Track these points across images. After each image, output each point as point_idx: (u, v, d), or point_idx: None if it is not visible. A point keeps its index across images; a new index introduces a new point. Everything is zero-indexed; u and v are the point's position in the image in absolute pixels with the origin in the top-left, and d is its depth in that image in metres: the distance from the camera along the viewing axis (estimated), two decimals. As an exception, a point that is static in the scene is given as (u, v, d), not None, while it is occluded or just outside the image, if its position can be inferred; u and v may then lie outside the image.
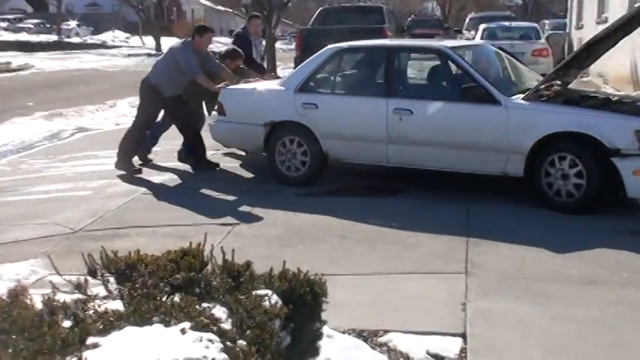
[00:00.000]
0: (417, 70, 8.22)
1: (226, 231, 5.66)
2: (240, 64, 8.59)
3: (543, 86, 6.22)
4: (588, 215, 5.81)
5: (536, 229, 5.53)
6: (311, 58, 7.36)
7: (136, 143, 7.96)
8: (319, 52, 7.31)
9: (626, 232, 5.44)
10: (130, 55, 34.04)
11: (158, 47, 38.33)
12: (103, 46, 41.00)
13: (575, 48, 21.76)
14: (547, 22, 29.68)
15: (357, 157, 6.98)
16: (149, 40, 41.39)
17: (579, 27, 21.98)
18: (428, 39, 30.15)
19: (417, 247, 5.18)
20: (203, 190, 7.04)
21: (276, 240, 5.45)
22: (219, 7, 55.12)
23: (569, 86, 7.03)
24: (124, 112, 13.38)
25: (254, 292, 2.61)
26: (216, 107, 7.75)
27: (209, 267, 2.90)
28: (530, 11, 55.09)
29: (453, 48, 6.78)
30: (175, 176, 7.61)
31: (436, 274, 4.68)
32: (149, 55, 35.17)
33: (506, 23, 17.57)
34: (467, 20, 27.65)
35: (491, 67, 7.37)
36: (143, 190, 7.07)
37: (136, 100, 14.88)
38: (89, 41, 42.51)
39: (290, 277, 2.79)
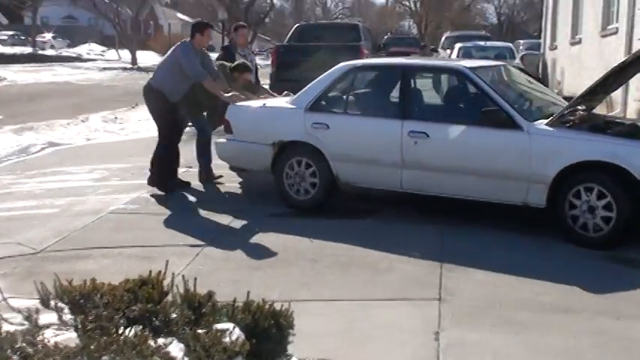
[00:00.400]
0: (434, 91, 7.85)
1: (195, 252, 5.50)
2: (249, 78, 8.28)
3: (567, 111, 5.88)
4: (562, 241, 5.74)
5: (511, 254, 5.44)
6: (323, 75, 7.01)
7: (169, 160, 7.49)
8: (331, 69, 7.00)
9: (600, 258, 5.38)
10: (105, 69, 33.75)
11: (134, 61, 38.12)
12: (78, 59, 40.70)
13: (549, 68, 21.95)
14: (522, 42, 29.99)
15: (368, 181, 6.65)
16: (125, 54, 41.14)
17: (553, 48, 22.17)
18: (407, 56, 30.37)
19: (390, 271, 5.06)
20: (173, 209, 6.87)
21: (246, 263, 5.31)
22: (196, 22, 54.95)
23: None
24: (96, 127, 13.16)
25: (215, 327, 2.47)
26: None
27: (169, 297, 2.75)
28: (505, 31, 55.88)
29: (472, 68, 6.43)
30: (146, 194, 7.43)
31: (409, 300, 4.56)
32: (124, 69, 34.98)
33: (482, 43, 17.68)
34: (443, 39, 27.85)
35: (513, 90, 7.00)
36: (112, 208, 6.88)
37: (109, 115, 14.81)
38: (64, 54, 42.18)
39: (254, 310, 2.66)
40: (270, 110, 7.14)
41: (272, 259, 5.39)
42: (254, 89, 8.31)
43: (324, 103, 6.87)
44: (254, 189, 7.74)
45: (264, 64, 22.13)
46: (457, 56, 16.16)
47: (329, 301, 4.57)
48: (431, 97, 7.60)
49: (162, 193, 7.36)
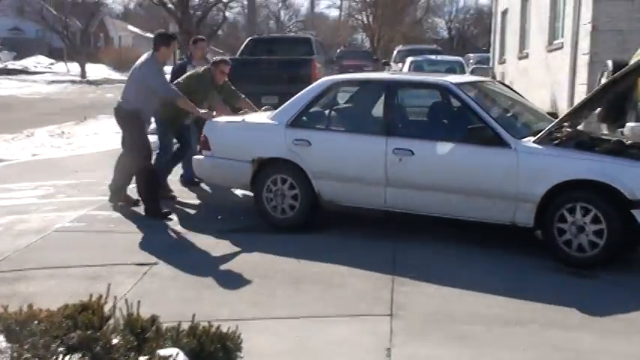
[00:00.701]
0: (418, 107, 7.45)
1: (143, 271, 5.37)
2: (226, 71, 7.93)
3: (555, 128, 5.78)
4: (513, 253, 5.79)
5: (462, 268, 5.45)
6: (304, 90, 6.86)
7: (153, 181, 7.15)
8: (313, 84, 6.88)
9: (548, 269, 5.43)
10: (52, 82, 33.12)
11: (83, 74, 37.56)
12: (25, 72, 39.81)
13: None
14: (472, 55, 30.52)
15: (352, 199, 6.44)
16: (74, 67, 40.46)
17: (502, 62, 22.57)
18: (358, 70, 30.48)
19: (341, 287, 5.02)
20: (122, 226, 6.72)
21: (195, 281, 5.20)
22: (147, 35, 54.36)
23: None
24: (42, 142, 12.84)
25: (158, 353, 2.38)
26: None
27: (111, 322, 2.66)
28: (455, 45, 56.76)
29: (457, 84, 6.28)
30: (93, 211, 7.25)
31: (361, 316, 4.52)
32: (73, 82, 34.42)
33: (433, 57, 17.90)
34: (395, 52, 28.12)
35: (499, 106, 6.88)
36: (57, 226, 6.69)
37: (55, 129, 14.47)
38: (10, 67, 41.16)
39: (200, 333, 2.58)
40: (250, 126, 6.96)
41: (222, 276, 5.29)
42: (233, 95, 8.10)
43: (305, 118, 6.68)
44: (208, 205, 7.63)
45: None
46: (409, 70, 16.28)
47: (279, 319, 4.50)
48: (415, 113, 7.43)
49: (110, 208, 7.19)
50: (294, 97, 6.86)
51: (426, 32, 58.19)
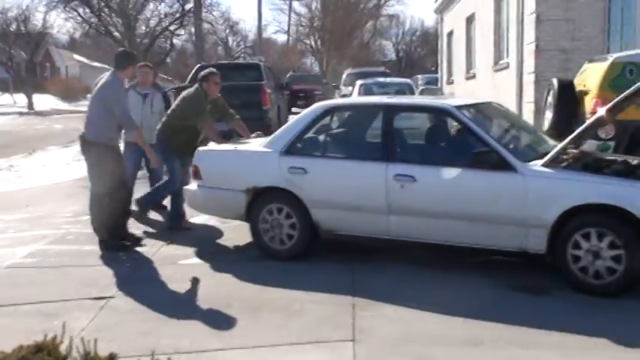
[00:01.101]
0: (418, 132, 7.10)
1: (100, 305, 5.26)
2: (218, 85, 7.67)
3: (561, 150, 5.60)
4: (474, 272, 5.85)
5: (422, 289, 5.48)
6: (298, 116, 6.74)
7: (120, 214, 6.88)
8: (307, 109, 6.72)
9: (510, 288, 5.49)
10: (-2, 114, 32.40)
11: (30, 105, 36.91)
12: (-31, 104, 38.87)
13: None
14: (420, 77, 30.97)
15: (352, 228, 6.16)
16: (21, 98, 39.68)
17: (450, 82, 23.00)
18: (309, 94, 30.55)
19: (302, 314, 4.99)
20: (76, 260, 6.57)
21: (154, 313, 5.10)
22: (95, 64, 53.78)
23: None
24: (-14, 177, 12.53)
25: (120, 392, 2.32)
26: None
27: (69, 362, 2.59)
28: (404, 66, 57.61)
29: (458, 107, 6.12)
30: (45, 246, 7.09)
31: (323, 343, 4.49)
32: (20, 113, 33.79)
33: (382, 79, 18.10)
34: (344, 76, 28.36)
35: (502, 129, 6.73)
36: (8, 262, 6.52)
37: (3, 162, 14.14)
38: (-47, 100, 40.18)
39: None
40: (243, 154, 6.76)
41: (181, 307, 5.21)
42: (227, 115, 7.85)
43: (300, 145, 6.47)
44: (162, 232, 7.52)
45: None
46: (358, 93, 16.44)
47: (241, 349, 4.44)
48: (416, 137, 7.08)
49: (63, 240, 7.03)
50: (288, 123, 6.67)
51: (374, 54, 58.92)
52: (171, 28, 20.87)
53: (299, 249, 6.33)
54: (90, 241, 7.13)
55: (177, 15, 20.42)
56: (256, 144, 6.82)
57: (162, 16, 20.69)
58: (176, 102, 7.78)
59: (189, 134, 7.44)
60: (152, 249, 6.86)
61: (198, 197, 6.87)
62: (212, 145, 7.08)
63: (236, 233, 7.19)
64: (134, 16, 19.65)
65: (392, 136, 6.25)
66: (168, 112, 7.81)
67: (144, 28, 21.04)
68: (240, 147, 6.90)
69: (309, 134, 6.59)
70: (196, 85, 7.66)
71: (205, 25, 23.40)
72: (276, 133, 6.72)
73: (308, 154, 6.42)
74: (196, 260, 6.51)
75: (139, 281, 5.91)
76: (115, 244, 6.79)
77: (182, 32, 22.93)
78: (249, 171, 6.52)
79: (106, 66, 43.58)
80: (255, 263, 6.35)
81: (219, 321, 4.92)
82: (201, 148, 6.97)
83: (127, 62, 6.90)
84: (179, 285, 5.74)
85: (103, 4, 19.06)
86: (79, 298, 5.46)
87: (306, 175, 6.22)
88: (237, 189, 6.50)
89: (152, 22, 20.83)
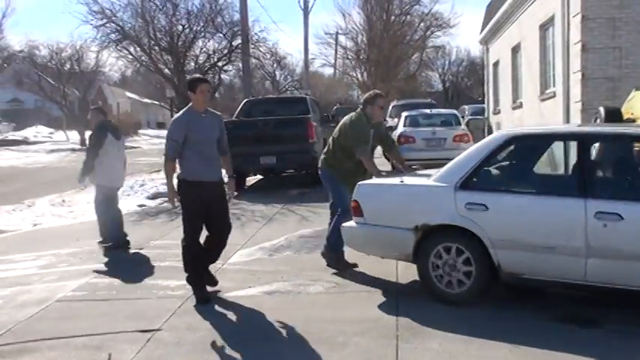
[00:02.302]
0: (620, 164, 6.20)
1: (146, 338, 5.34)
2: (382, 110, 7.32)
3: None
4: (524, 305, 5.76)
5: (465, 322, 5.41)
6: (473, 147, 6.13)
7: (198, 256, 6.43)
8: (485, 139, 6.11)
9: (557, 320, 5.37)
10: (52, 151, 33.40)
11: (83, 142, 37.85)
12: (25, 142, 40.23)
13: (494, 131, 22.52)
14: (466, 107, 30.81)
15: (540, 272, 5.51)
16: (74, 135, 40.84)
17: (497, 112, 22.82)
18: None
19: (345, 346, 4.97)
20: (124, 293, 6.71)
21: (199, 346, 5.16)
22: (145, 100, 55.09)
23: None
24: (42, 211, 12.90)
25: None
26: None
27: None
28: (450, 97, 57.45)
29: None
30: (95, 279, 7.25)
31: (366, 375, 4.48)
32: (73, 150, 34.69)
33: (427, 111, 18.09)
34: (390, 107, 28.41)
35: None
36: (59, 296, 6.68)
37: (56, 198, 14.53)
38: (10, 137, 41.57)
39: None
40: (412, 189, 6.22)
41: (226, 339, 5.25)
42: (387, 142, 7.49)
43: (478, 179, 5.86)
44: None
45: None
46: (404, 125, 16.45)
47: (285, 381, 4.45)
48: (618, 169, 6.20)
49: (110, 274, 7.19)
50: (463, 154, 6.08)
51: (421, 86, 58.91)
52: (220, 64, 21.20)
53: (475, 293, 5.73)
54: (138, 274, 7.26)
55: (225, 51, 20.78)
56: (424, 178, 6.31)
57: (211, 53, 21.09)
58: (337, 128, 7.35)
59: (354, 162, 7.03)
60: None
61: (358, 235, 6.41)
62: (374, 179, 6.74)
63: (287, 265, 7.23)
64: (183, 53, 20.07)
65: (590, 168, 5.67)
66: (330, 140, 7.40)
67: (193, 64, 21.47)
68: (407, 181, 6.32)
69: (489, 167, 5.98)
70: (358, 109, 7.24)
71: (253, 61, 23.74)
72: (448, 165, 6.09)
73: (488, 188, 5.82)
74: (243, 292, 6.55)
75: (189, 313, 5.98)
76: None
77: (230, 68, 23.26)
78: (419, 207, 6.01)
79: (156, 102, 44.63)
80: (295, 293, 6.37)
81: (264, 353, 4.95)
82: (362, 182, 6.54)
83: (189, 89, 6.36)
84: (226, 316, 5.80)
85: (153, 42, 19.53)
86: (126, 330, 5.55)
87: (486, 212, 5.62)
88: (404, 227, 5.97)
89: (201, 59, 21.22)
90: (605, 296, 5.54)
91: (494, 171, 6.06)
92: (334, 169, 7.19)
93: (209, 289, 6.48)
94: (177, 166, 6.36)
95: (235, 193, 6.87)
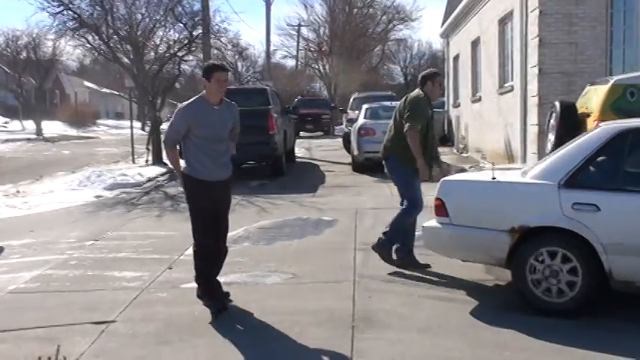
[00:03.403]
0: None
1: (100, 330, 5.27)
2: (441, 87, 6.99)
3: None
4: (472, 297, 5.84)
5: (421, 310, 5.48)
6: (578, 141, 5.61)
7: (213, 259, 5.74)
8: (591, 133, 5.63)
9: (510, 310, 5.47)
10: (7, 141, 32.63)
11: (39, 131, 37.23)
12: (-21, 131, 39.29)
13: (454, 125, 22.76)
14: (427, 100, 30.96)
15: None
16: (30, 125, 40.07)
17: (456, 105, 23.05)
18: (317, 118, 30.50)
19: (301, 337, 4.97)
20: (79, 285, 6.60)
21: (153, 337, 5.11)
22: (104, 90, 54.26)
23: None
24: (-6, 203, 12.63)
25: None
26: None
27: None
28: (412, 90, 57.74)
29: None
30: (49, 271, 7.12)
31: (321, 365, 4.49)
32: (29, 139, 34.02)
33: (388, 103, 18.10)
34: (351, 100, 28.48)
35: None
36: (11, 288, 6.56)
37: (11, 188, 14.24)
38: (-37, 127, 40.64)
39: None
40: (507, 187, 5.71)
41: (181, 331, 5.21)
42: (432, 129, 6.87)
43: (587, 177, 5.31)
44: (162, 260, 7.54)
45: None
46: (364, 117, 16.50)
47: (240, 372, 4.45)
48: None
49: (66, 265, 7.06)
50: (565, 149, 5.61)
51: (383, 79, 59.17)
52: (180, 54, 20.95)
53: (581, 302, 5.25)
54: (93, 266, 7.17)
55: (186, 41, 20.54)
56: (517, 174, 5.93)
57: (171, 43, 20.82)
58: (397, 110, 7.01)
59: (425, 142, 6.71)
60: (155, 273, 6.88)
61: (443, 237, 5.94)
62: (461, 175, 6.33)
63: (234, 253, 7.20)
64: (142, 43, 19.79)
65: None
66: (391, 125, 7.06)
67: (153, 54, 21.18)
68: (500, 177, 5.77)
69: (597, 163, 5.39)
70: (418, 90, 6.97)
71: (214, 51, 23.54)
72: (548, 161, 5.66)
73: (599, 187, 5.27)
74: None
75: (143, 305, 5.92)
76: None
77: (190, 58, 23.00)
78: (516, 207, 5.51)
79: (115, 92, 44.04)
80: (251, 283, 6.36)
81: (219, 345, 4.92)
82: (447, 179, 6.12)
83: (204, 76, 5.63)
84: (180, 309, 5.74)
85: (111, 31, 19.19)
86: (80, 322, 5.48)
87: (598, 213, 5.14)
88: (498, 228, 5.49)
89: (161, 49, 20.94)
90: None
91: (605, 167, 5.41)
92: (399, 156, 6.80)
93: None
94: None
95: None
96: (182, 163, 5.68)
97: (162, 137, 5.86)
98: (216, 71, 5.49)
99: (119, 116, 57.96)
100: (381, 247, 6.78)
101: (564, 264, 5.23)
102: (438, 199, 5.88)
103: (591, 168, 5.36)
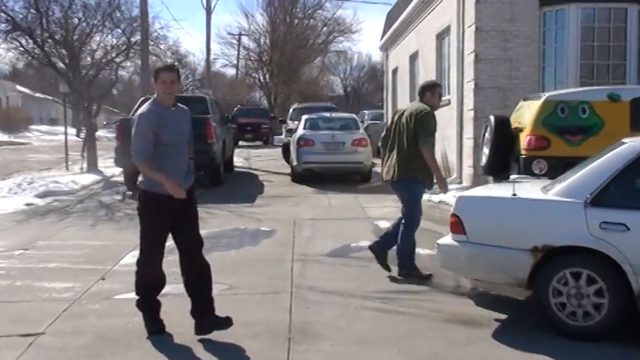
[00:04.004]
0: None
1: (28, 343, 5.09)
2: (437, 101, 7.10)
3: None
4: (408, 308, 5.90)
5: (358, 322, 5.49)
6: (604, 157, 5.36)
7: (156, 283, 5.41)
8: (618, 149, 5.36)
9: (445, 319, 5.54)
10: None
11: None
12: None
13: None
14: (366, 112, 31.32)
15: None
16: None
17: (395, 117, 23.34)
18: (256, 128, 30.35)
19: (236, 349, 4.92)
20: (5, 296, 6.38)
21: (84, 351, 4.97)
22: (38, 95, 52.84)
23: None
24: None
25: None
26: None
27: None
28: (351, 102, 58.21)
29: None
30: (-27, 281, 6.87)
31: (256, 378, 4.45)
32: (-42, 144, 32.82)
33: (327, 114, 18.23)
34: (291, 110, 28.51)
35: None
36: None
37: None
38: None
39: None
40: (529, 204, 5.48)
41: (113, 344, 5.08)
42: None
43: (615, 195, 5.10)
44: (97, 264, 7.37)
45: (112, 137, 21.75)
46: (303, 128, 16.52)
47: (172, 386, 4.36)
48: None
49: (-7, 280, 6.82)
50: (590, 166, 5.38)
51: (323, 90, 59.40)
52: (117, 60, 20.60)
53: (608, 327, 5.03)
54: (21, 276, 6.94)
55: (124, 47, 20.21)
56: (537, 190, 5.70)
57: (109, 48, 20.45)
58: (403, 125, 6.91)
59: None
60: (87, 284, 6.70)
61: (460, 256, 5.68)
62: (479, 191, 6.30)
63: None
64: (78, 48, 19.35)
65: None
66: (394, 143, 7.03)
67: (89, 59, 20.74)
68: (521, 193, 5.55)
69: (626, 180, 5.18)
70: (418, 100, 7.07)
71: (153, 58, 23.23)
72: (573, 178, 5.42)
73: (628, 205, 5.07)
74: (134, 295, 6.35)
75: (73, 317, 5.75)
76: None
77: (128, 64, 22.64)
78: (539, 225, 5.28)
79: (50, 97, 42.95)
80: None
81: (151, 357, 4.83)
82: (464, 195, 6.01)
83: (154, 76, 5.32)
84: (113, 321, 5.61)
85: (46, 35, 18.71)
86: (6, 335, 5.29)
87: (627, 233, 4.94)
88: (519, 247, 5.27)
89: (98, 54, 20.52)
90: None
91: (633, 185, 5.22)
92: (417, 174, 6.80)
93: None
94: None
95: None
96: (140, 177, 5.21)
97: (134, 156, 5.06)
98: (161, 72, 5.19)
99: (53, 122, 56.47)
100: (404, 271, 6.84)
101: (590, 285, 5.03)
102: (454, 215, 5.66)
103: (619, 185, 5.15)
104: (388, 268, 6.96)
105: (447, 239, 5.78)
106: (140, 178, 5.25)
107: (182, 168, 5.24)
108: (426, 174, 6.79)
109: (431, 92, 7.04)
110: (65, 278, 6.98)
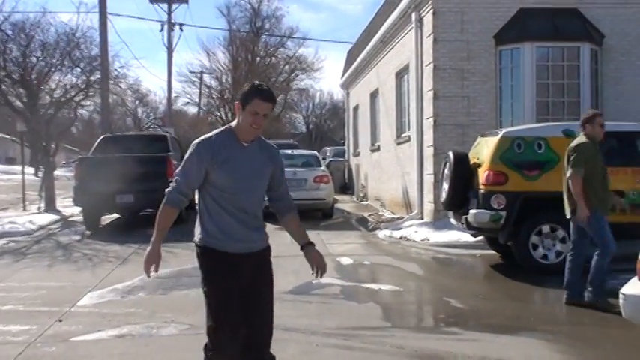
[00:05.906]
0: None
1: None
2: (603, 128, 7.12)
3: None
4: (369, 344, 5.87)
5: (320, 359, 5.45)
6: None
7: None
8: None
9: (406, 356, 5.53)
10: None
11: None
12: None
13: (354, 173, 23.15)
14: (328, 149, 31.54)
15: None
16: None
17: (356, 154, 23.52)
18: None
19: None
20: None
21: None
22: (-5, 134, 51.99)
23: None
24: None
25: None
26: None
27: None
28: (314, 139, 58.52)
29: None
30: None
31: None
32: None
33: (289, 151, 18.29)
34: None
35: None
36: None
37: None
38: None
39: None
40: None
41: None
42: (604, 170, 7.04)
43: None
44: (54, 305, 7.20)
45: (72, 176, 21.47)
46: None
47: None
48: None
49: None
50: None
51: (285, 127, 59.65)
52: (77, 98, 20.42)
53: None
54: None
55: (83, 86, 20.06)
56: None
57: (68, 87, 20.26)
58: (575, 157, 6.96)
59: (602, 185, 6.94)
60: (44, 326, 6.54)
61: None
62: None
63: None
64: (37, 86, 19.15)
65: None
66: (563, 179, 7.17)
67: (48, 98, 20.52)
68: None
69: None
70: (580, 136, 7.15)
71: (113, 96, 23.12)
72: None
73: None
74: (92, 336, 6.22)
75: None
76: None
77: (88, 103, 22.46)
78: None
79: (6, 136, 42.26)
80: (150, 338, 6.16)
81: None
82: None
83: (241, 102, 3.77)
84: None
85: (3, 74, 18.51)
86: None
87: None
88: None
89: (57, 93, 20.30)
90: None
91: None
92: (589, 202, 6.88)
93: None
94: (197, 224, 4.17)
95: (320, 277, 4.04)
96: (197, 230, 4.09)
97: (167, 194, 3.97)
98: (256, 98, 3.68)
99: (11, 161, 55.53)
100: (595, 301, 6.85)
101: None
102: None
103: None
104: (609, 304, 6.70)
105: (636, 288, 4.96)
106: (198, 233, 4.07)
107: (249, 221, 3.86)
108: (597, 200, 6.90)
109: (590, 124, 7.13)
110: (20, 320, 6.79)
